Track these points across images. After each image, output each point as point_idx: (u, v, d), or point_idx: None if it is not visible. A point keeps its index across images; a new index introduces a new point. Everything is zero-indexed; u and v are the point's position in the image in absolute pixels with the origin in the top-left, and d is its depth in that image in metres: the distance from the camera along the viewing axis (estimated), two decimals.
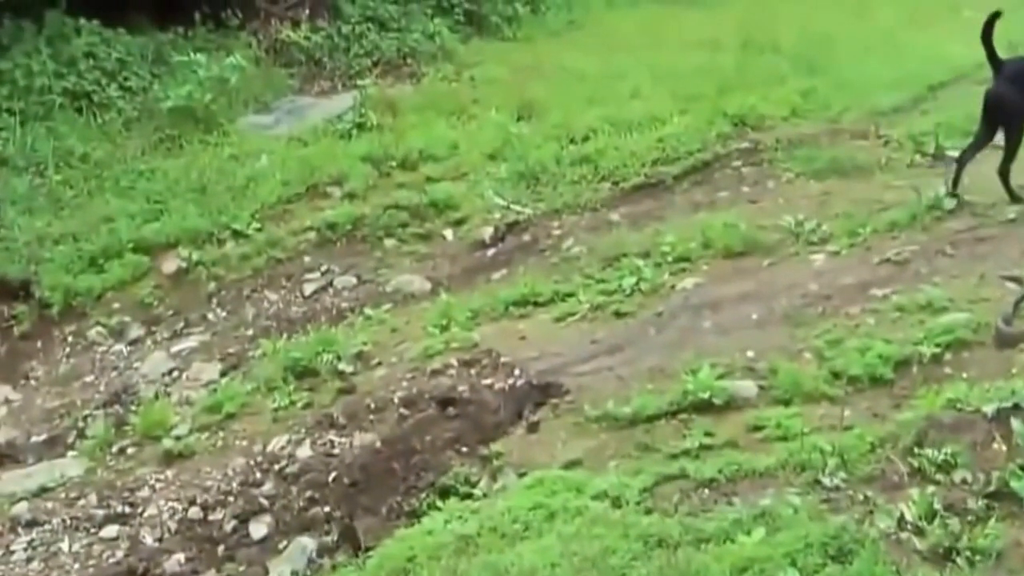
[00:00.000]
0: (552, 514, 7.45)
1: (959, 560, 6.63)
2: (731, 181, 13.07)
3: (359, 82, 17.97)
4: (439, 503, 8.22)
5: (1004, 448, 7.53)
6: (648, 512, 7.37)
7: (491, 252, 12.79)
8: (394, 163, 14.93)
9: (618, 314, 10.61)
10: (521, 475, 8.34)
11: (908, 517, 7.02)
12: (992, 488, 7.20)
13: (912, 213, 10.97)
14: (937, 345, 8.89)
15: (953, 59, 14.69)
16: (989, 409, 7.77)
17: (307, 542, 8.37)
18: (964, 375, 8.55)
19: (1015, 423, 7.58)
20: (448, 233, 13.42)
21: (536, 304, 11.18)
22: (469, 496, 8.33)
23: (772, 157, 13.33)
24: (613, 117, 14.93)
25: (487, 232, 13.11)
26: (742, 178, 13.08)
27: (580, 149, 14.30)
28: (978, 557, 6.64)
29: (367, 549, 8.01)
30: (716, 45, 17.51)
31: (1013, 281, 9.71)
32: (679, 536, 6.97)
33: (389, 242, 13.43)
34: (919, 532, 6.90)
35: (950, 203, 11.17)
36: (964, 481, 7.35)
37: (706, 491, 7.61)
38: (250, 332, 12.05)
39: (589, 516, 7.34)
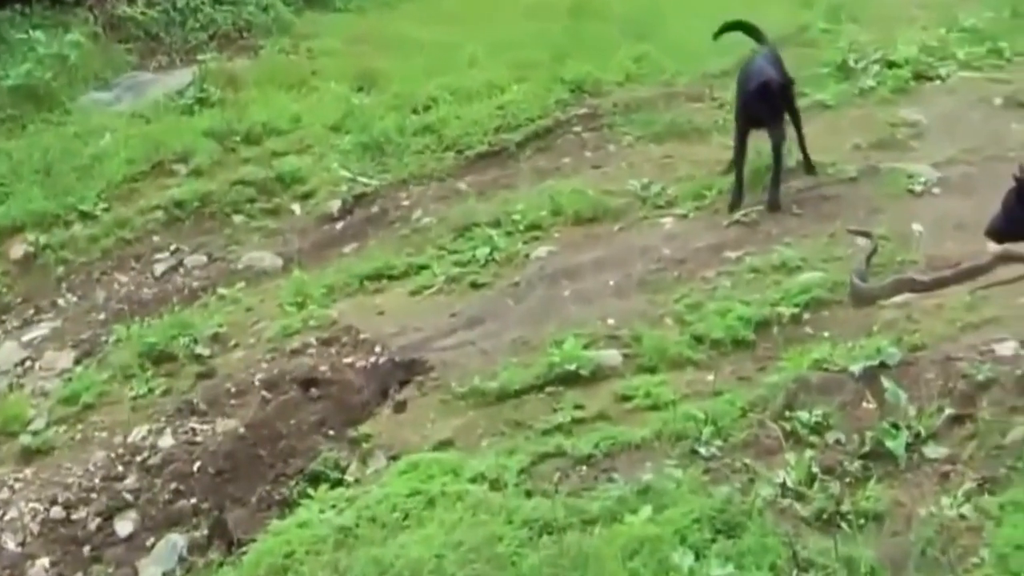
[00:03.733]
0: (431, 501, 6.93)
1: (844, 524, 6.32)
2: (573, 147, 12.56)
3: (198, 56, 17.11)
4: (310, 491, 7.62)
5: (874, 407, 7.27)
6: (529, 494, 6.90)
7: (340, 225, 12.15)
8: (238, 138, 14.14)
9: (475, 285, 10.11)
10: (392, 458, 7.86)
11: (788, 483, 6.69)
12: (867, 448, 6.94)
13: (755, 174, 10.53)
14: (795, 305, 8.63)
15: (776, 24, 14.29)
16: (856, 368, 7.51)
17: (177, 539, 7.75)
18: (825, 334, 8.31)
19: (885, 381, 7.30)
20: (296, 207, 12.73)
21: (391, 278, 10.61)
22: (340, 482, 7.82)
23: (611, 122, 12.84)
24: (453, 86, 14.33)
25: (335, 205, 12.45)
26: (584, 143, 12.58)
27: (422, 119, 13.68)
28: (862, 520, 6.36)
29: (240, 544, 7.42)
30: (547, 13, 16.92)
31: (862, 236, 9.38)
32: (564, 519, 6.50)
33: (238, 218, 12.70)
34: (801, 498, 6.59)
35: (791, 162, 10.74)
36: (838, 442, 7.08)
37: (584, 468, 7.17)
38: (102, 316, 11.27)
39: (470, 501, 6.82)
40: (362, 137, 13.49)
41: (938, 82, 12.71)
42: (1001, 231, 6.95)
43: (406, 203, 12.08)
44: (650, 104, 13.04)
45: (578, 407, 7.84)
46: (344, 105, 14.47)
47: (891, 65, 12.96)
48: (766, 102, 10.03)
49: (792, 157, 10.75)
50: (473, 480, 7.10)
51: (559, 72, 13.97)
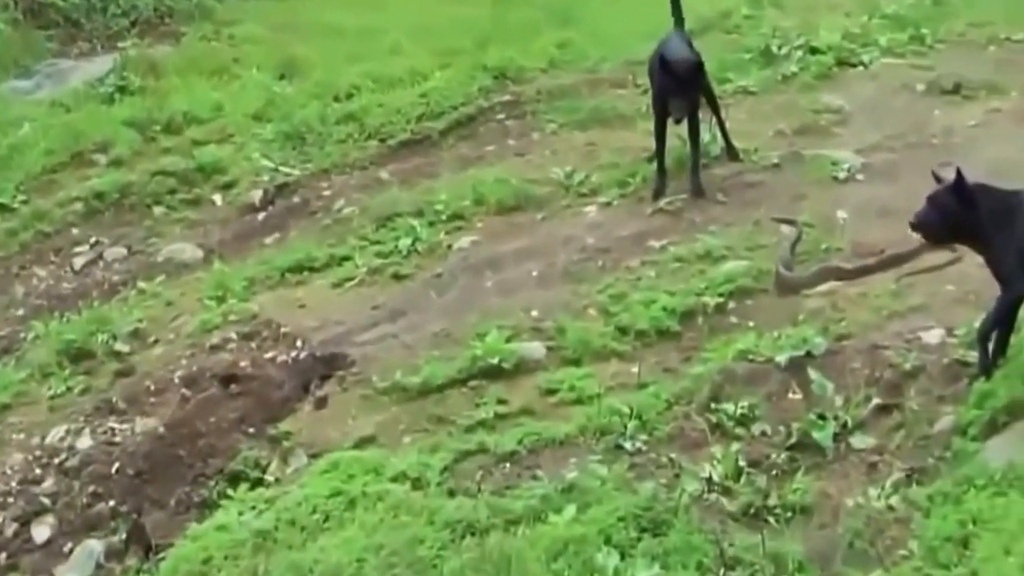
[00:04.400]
0: (352, 501, 6.72)
1: (771, 519, 6.26)
2: (496, 134, 12.36)
3: (119, 43, 16.84)
4: (230, 492, 7.38)
5: (801, 397, 7.21)
6: (451, 494, 6.73)
7: (262, 216, 11.87)
8: (159, 127, 13.86)
9: (397, 277, 9.88)
10: (313, 456, 7.63)
11: (715, 477, 6.62)
12: (793, 440, 6.88)
13: (678, 161, 10.36)
14: (720, 295, 8.52)
15: (699, 10, 14.17)
16: (782, 358, 7.43)
17: (94, 544, 7.45)
18: (751, 324, 8.21)
19: (811, 372, 7.22)
20: (217, 198, 12.43)
21: (312, 270, 10.35)
22: (260, 482, 7.57)
23: (535, 109, 12.65)
24: (375, 73, 14.10)
25: (256, 195, 12.17)
26: (507, 131, 12.37)
27: (345, 107, 13.42)
28: (789, 514, 6.30)
29: (158, 549, 7.17)
30: None
31: (787, 223, 9.26)
32: (487, 519, 6.34)
33: (158, 210, 12.38)
34: (727, 492, 6.51)
35: (716, 148, 10.60)
36: (764, 434, 7.02)
37: (508, 465, 7.01)
38: (21, 312, 10.94)
39: (391, 502, 6.63)
40: (284, 126, 13.23)
41: (861, 68, 12.61)
42: (930, 227, 6.76)
43: (328, 193, 11.84)
44: (574, 91, 12.87)
45: (501, 402, 7.67)
46: (266, 93, 14.26)
47: (814, 51, 12.86)
48: (678, 81, 9.83)
49: (716, 144, 10.59)
50: (395, 479, 6.90)
51: (482, 59, 13.77)
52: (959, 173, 6.54)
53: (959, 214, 6.55)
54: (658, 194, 10.07)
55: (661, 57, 9.96)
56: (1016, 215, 6.42)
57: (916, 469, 6.42)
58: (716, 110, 10.54)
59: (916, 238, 7.46)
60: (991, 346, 6.67)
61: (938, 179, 6.67)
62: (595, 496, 6.33)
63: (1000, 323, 6.62)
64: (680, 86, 9.82)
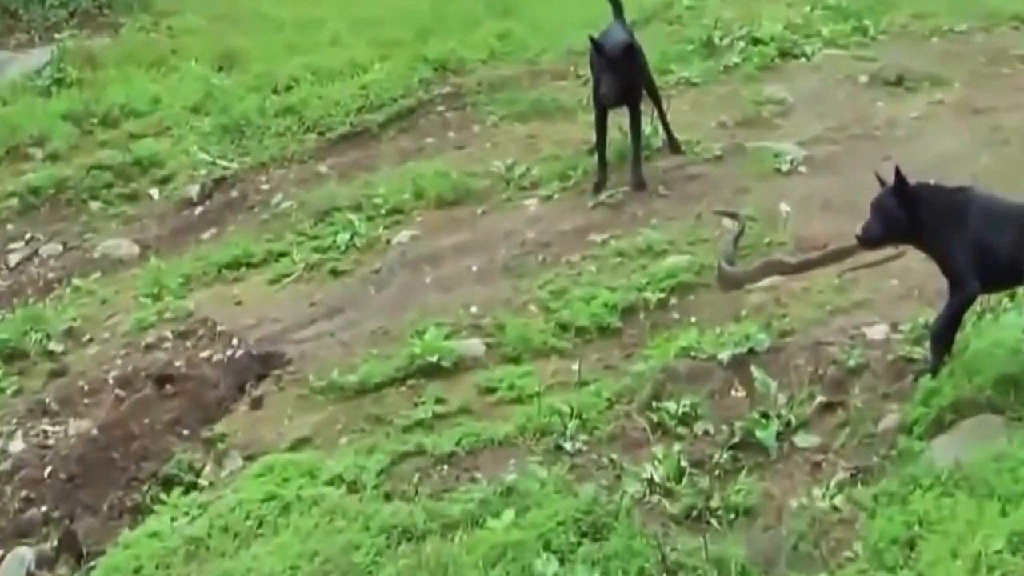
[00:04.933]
0: (287, 506, 6.53)
1: (713, 521, 6.09)
2: (436, 127, 12.19)
3: (57, 35, 16.57)
4: (163, 496, 7.18)
5: (744, 395, 7.06)
6: (388, 497, 6.55)
7: (199, 210, 11.69)
8: (96, 120, 13.73)
9: (335, 273, 9.71)
10: (248, 458, 7.44)
11: (656, 478, 6.43)
12: (736, 439, 6.70)
13: (620, 153, 10.20)
14: (662, 290, 8.38)
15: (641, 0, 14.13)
16: (724, 356, 7.29)
17: (25, 552, 7.16)
18: (692, 320, 8.07)
19: (754, 369, 7.07)
20: (154, 192, 12.24)
21: (249, 266, 10.18)
22: (194, 486, 7.37)
23: (475, 101, 12.50)
24: (315, 66, 13.93)
25: (194, 190, 11.98)
26: (447, 123, 12.21)
27: (284, 99, 13.26)
28: (732, 515, 6.13)
29: (89, 556, 6.95)
30: None
31: (729, 217, 9.12)
32: (424, 524, 6.15)
33: (95, 205, 12.19)
34: (669, 494, 6.34)
35: (658, 141, 10.45)
36: (707, 433, 6.85)
37: (446, 468, 6.82)
38: None
39: (326, 506, 6.44)
40: (222, 119, 13.10)
41: (803, 59, 12.50)
42: (878, 238, 6.62)
43: (266, 187, 11.67)
44: (514, 82, 12.73)
45: (440, 401, 7.49)
46: (204, 85, 14.13)
47: (756, 42, 12.74)
48: (610, 63, 9.66)
49: (657, 136, 10.43)
50: (330, 482, 6.73)
51: (422, 50, 13.65)
52: (898, 176, 6.38)
53: (903, 218, 6.39)
54: (599, 187, 9.91)
55: (594, 41, 9.79)
56: (964, 213, 6.27)
57: (861, 468, 6.27)
58: (657, 102, 10.38)
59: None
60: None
61: (882, 182, 6.51)
62: (534, 499, 6.15)
63: (955, 323, 6.48)
64: (612, 67, 9.65)
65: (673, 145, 10.39)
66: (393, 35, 14.59)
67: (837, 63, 12.22)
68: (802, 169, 9.99)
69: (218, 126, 12.98)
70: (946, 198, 6.39)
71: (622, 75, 9.65)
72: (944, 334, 6.48)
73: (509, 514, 6.02)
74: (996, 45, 12.43)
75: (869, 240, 6.61)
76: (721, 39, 12.92)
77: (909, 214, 6.37)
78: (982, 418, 6.17)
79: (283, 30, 15.90)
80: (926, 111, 10.94)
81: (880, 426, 6.49)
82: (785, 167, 9.97)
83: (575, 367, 7.63)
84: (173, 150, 12.76)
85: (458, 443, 6.91)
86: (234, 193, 11.74)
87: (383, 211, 10.38)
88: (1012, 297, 6.87)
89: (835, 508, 5.98)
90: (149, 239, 11.34)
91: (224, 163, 12.29)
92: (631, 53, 9.78)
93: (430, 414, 7.35)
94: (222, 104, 13.38)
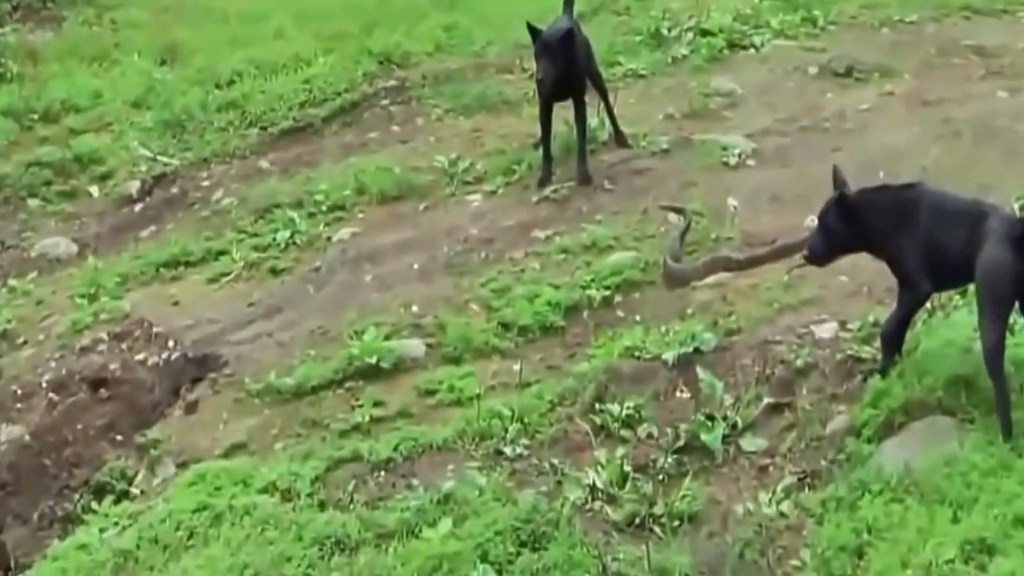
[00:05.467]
0: (218, 516, 6.33)
1: (657, 528, 5.93)
2: (380, 121, 11.88)
3: None
4: (95, 505, 6.99)
5: (688, 396, 6.88)
6: (323, 506, 6.35)
7: (139, 208, 11.38)
8: (36, 116, 13.36)
9: (274, 271, 9.45)
10: (181, 465, 7.23)
11: (599, 484, 6.26)
12: (681, 442, 6.53)
13: (566, 147, 9.97)
14: (607, 288, 8.18)
15: None
16: (669, 356, 7.11)
17: None
18: (637, 318, 7.88)
19: (699, 370, 6.88)
20: (94, 189, 11.93)
21: (188, 264, 9.90)
22: (126, 495, 7.18)
23: (420, 94, 12.20)
24: (258, 59, 13.61)
25: (134, 187, 11.67)
26: (391, 117, 11.91)
27: (226, 94, 12.95)
28: (676, 522, 5.97)
29: (19, 567, 6.75)
30: None
31: (675, 212, 8.90)
32: (358, 534, 5.97)
33: (33, 203, 11.88)
34: (612, 500, 6.18)
35: (604, 134, 10.23)
36: (651, 436, 6.66)
37: (383, 474, 6.61)
38: None
39: (259, 516, 6.25)
40: (164, 114, 12.76)
41: (752, 51, 12.26)
42: (822, 254, 6.42)
43: (207, 183, 11.37)
44: (460, 75, 12.44)
45: (378, 404, 7.27)
46: (146, 80, 13.78)
47: (705, 33, 12.49)
48: (548, 48, 9.43)
49: (604, 130, 10.21)
50: (264, 491, 6.53)
51: (367, 43, 13.34)
52: (840, 191, 6.20)
53: (847, 231, 6.22)
54: (544, 182, 9.68)
55: (531, 27, 9.57)
56: (913, 212, 6.07)
57: (809, 473, 6.12)
58: (603, 94, 10.15)
59: (808, 227, 7.14)
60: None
61: (835, 179, 6.29)
62: (472, 508, 5.97)
63: (905, 324, 6.29)
64: (550, 54, 9.41)
65: (620, 138, 10.17)
66: (338, 28, 14.27)
67: (786, 54, 12.01)
68: (750, 162, 9.78)
69: (159, 121, 12.65)
70: (893, 198, 6.20)
71: (560, 62, 9.39)
72: (894, 335, 6.29)
73: (446, 523, 5.84)
74: (947, 35, 12.25)
75: (815, 258, 6.43)
76: (669, 30, 12.67)
77: (853, 225, 6.19)
78: (932, 420, 6.00)
79: (228, 23, 15.55)
80: (876, 102, 10.74)
81: (828, 428, 6.32)
82: (733, 160, 9.75)
83: (517, 367, 7.40)
84: (114, 146, 12.45)
85: (395, 448, 6.70)
86: (174, 190, 11.44)
87: (324, 208, 10.10)
88: (963, 294, 6.67)
89: (782, 514, 5.85)
90: (88, 237, 11.06)
91: (165, 159, 11.98)
92: (569, 39, 9.51)
93: (367, 418, 7.14)
94: (164, 99, 13.04)
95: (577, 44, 9.64)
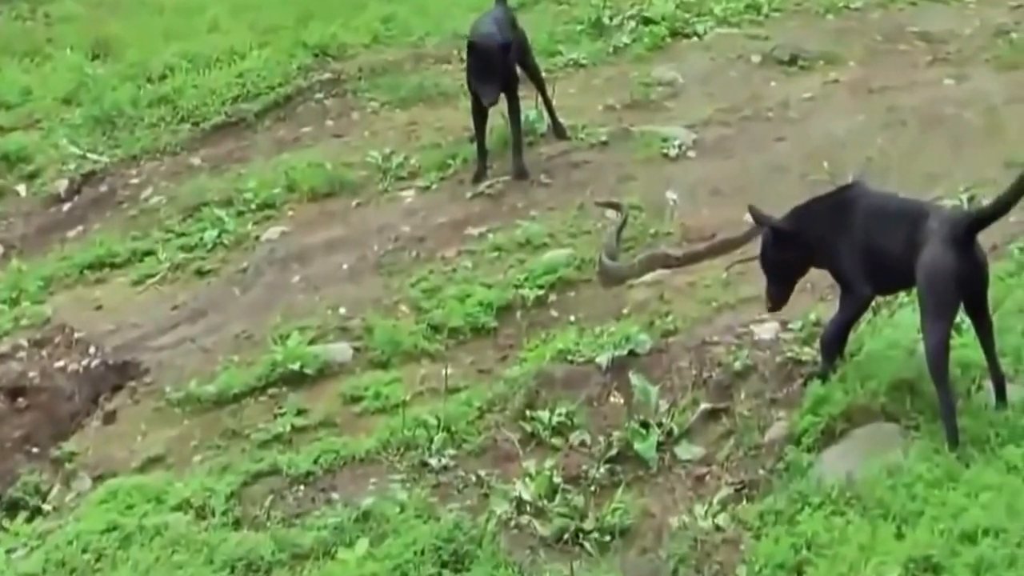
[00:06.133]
0: (128, 537, 5.99)
1: (587, 544, 5.63)
2: (315, 115, 11.47)
3: None
4: (6, 523, 6.63)
5: (622, 402, 6.56)
6: (237, 524, 6.02)
7: (67, 207, 10.96)
8: None
9: (200, 273, 9.05)
10: (97, 479, 6.91)
11: (527, 497, 5.94)
12: (614, 451, 6.23)
13: (502, 140, 9.63)
14: (540, 287, 7.89)
15: None
16: (603, 359, 6.80)
17: None
18: (572, 318, 7.58)
19: (632, 376, 6.56)
20: (21, 189, 11.49)
21: (113, 266, 9.48)
22: (39, 511, 6.79)
23: (356, 87, 11.79)
24: (191, 53, 13.15)
25: (62, 185, 11.24)
26: (326, 111, 11.50)
27: (158, 89, 12.49)
28: (607, 537, 5.68)
29: None
30: None
31: (611, 208, 8.58)
32: (272, 556, 5.63)
33: None
34: (540, 514, 5.86)
35: (542, 126, 9.90)
36: (583, 444, 6.36)
37: (302, 488, 6.29)
38: None
39: (170, 536, 5.91)
40: (94, 110, 12.30)
41: (695, 39, 11.91)
42: (781, 297, 6.19)
43: (136, 181, 10.94)
44: (397, 67, 12.05)
45: (301, 412, 6.96)
46: (77, 75, 13.28)
47: (647, 22, 12.14)
48: (482, 64, 9.12)
49: (542, 121, 9.88)
50: (178, 508, 6.20)
51: (303, 35, 12.91)
52: (771, 227, 5.93)
53: (793, 255, 6.00)
54: (478, 177, 9.33)
55: (468, 39, 9.24)
56: (849, 213, 5.78)
57: (746, 483, 5.82)
58: (541, 86, 9.82)
59: (748, 221, 6.82)
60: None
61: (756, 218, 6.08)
62: (392, 525, 5.66)
63: (846, 330, 5.99)
64: (485, 70, 9.10)
65: (558, 130, 9.83)
66: (274, 20, 13.85)
67: (729, 42, 11.68)
68: (691, 153, 9.46)
69: (89, 117, 12.21)
70: (828, 205, 5.95)
71: (495, 76, 9.07)
72: (835, 342, 6.00)
73: (363, 543, 5.54)
74: (893, 21, 11.95)
75: (776, 306, 6.19)
76: (611, 19, 12.31)
77: (796, 248, 5.97)
78: (875, 427, 5.70)
79: (162, 16, 15.12)
80: (820, 91, 10.44)
81: (767, 436, 6.02)
82: (673, 152, 9.43)
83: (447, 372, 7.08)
84: (43, 144, 11.98)
85: (316, 461, 6.37)
86: (103, 188, 11.02)
87: (254, 206, 9.70)
88: (910, 292, 6.37)
89: (718, 528, 5.55)
90: (14, 238, 10.65)
91: (94, 156, 11.56)
92: (503, 53, 9.16)
93: (289, 427, 6.82)
94: (94, 94, 12.60)
95: (512, 51, 9.30)
